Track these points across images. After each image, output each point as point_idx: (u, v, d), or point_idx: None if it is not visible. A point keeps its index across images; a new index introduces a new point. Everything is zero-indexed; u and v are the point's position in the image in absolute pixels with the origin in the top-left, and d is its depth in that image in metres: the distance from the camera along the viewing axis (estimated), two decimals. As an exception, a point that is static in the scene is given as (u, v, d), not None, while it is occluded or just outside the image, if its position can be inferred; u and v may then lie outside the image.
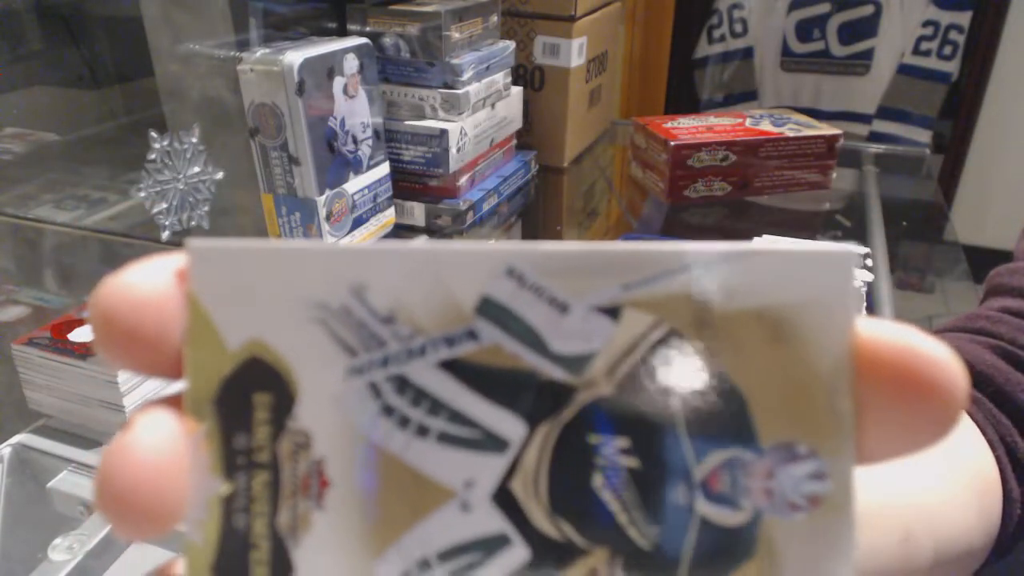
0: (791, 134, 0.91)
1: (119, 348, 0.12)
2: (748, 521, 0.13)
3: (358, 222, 0.75)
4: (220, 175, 0.70)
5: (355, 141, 0.73)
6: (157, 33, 0.69)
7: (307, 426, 0.13)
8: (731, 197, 0.93)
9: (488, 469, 0.13)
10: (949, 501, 0.29)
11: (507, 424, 0.13)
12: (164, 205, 0.66)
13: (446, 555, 0.13)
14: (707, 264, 0.13)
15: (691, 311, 0.13)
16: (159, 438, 0.12)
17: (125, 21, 0.69)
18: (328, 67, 0.69)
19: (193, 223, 0.69)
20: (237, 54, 0.68)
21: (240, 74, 0.66)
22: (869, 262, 0.78)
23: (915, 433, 0.13)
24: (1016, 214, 2.02)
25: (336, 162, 0.71)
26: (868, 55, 1.94)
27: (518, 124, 0.97)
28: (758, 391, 0.13)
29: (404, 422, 0.13)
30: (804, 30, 1.97)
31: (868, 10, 1.90)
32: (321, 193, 0.70)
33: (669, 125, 0.94)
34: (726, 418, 0.13)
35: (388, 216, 0.80)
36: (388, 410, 0.13)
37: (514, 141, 0.97)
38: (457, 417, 0.13)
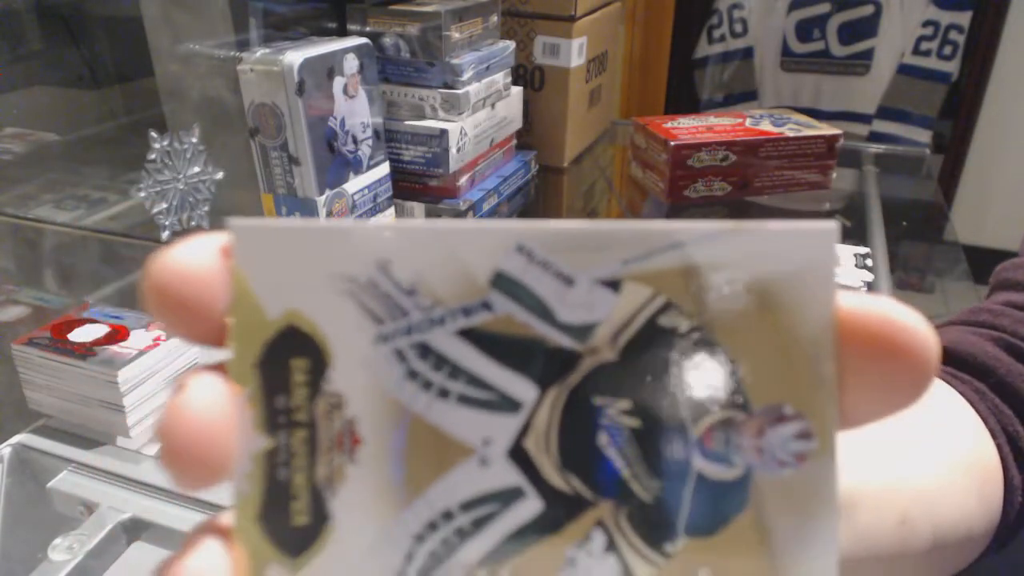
0: (791, 134, 0.91)
1: (171, 317, 0.14)
2: (740, 476, 0.14)
3: (358, 222, 0.75)
4: (220, 175, 0.70)
5: (355, 141, 0.73)
6: (157, 33, 0.69)
7: (340, 388, 0.14)
8: (731, 197, 0.93)
9: (503, 428, 0.14)
10: (947, 486, 0.30)
11: (520, 387, 0.14)
12: (164, 205, 0.66)
13: (467, 506, 0.14)
14: (699, 241, 0.14)
15: (686, 284, 0.14)
16: (209, 399, 0.13)
17: (125, 21, 0.69)
18: (328, 67, 0.69)
19: (193, 223, 0.69)
20: (237, 54, 0.68)
21: (240, 74, 0.66)
22: (869, 262, 0.78)
23: (892, 394, 0.14)
24: (1016, 214, 2.02)
25: (336, 162, 0.71)
26: (868, 55, 1.94)
27: (518, 124, 0.97)
28: (748, 357, 0.14)
29: (427, 385, 0.14)
30: (804, 30, 1.97)
31: (868, 10, 1.90)
32: (321, 193, 0.70)
33: (669, 125, 0.94)
34: (719, 382, 0.14)
35: (388, 216, 0.80)
36: (412, 374, 0.14)
37: (514, 141, 0.97)
38: (475, 381, 0.14)
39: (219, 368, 0.14)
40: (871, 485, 0.27)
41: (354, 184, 0.74)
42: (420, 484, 0.14)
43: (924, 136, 1.94)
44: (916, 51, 1.89)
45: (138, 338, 0.56)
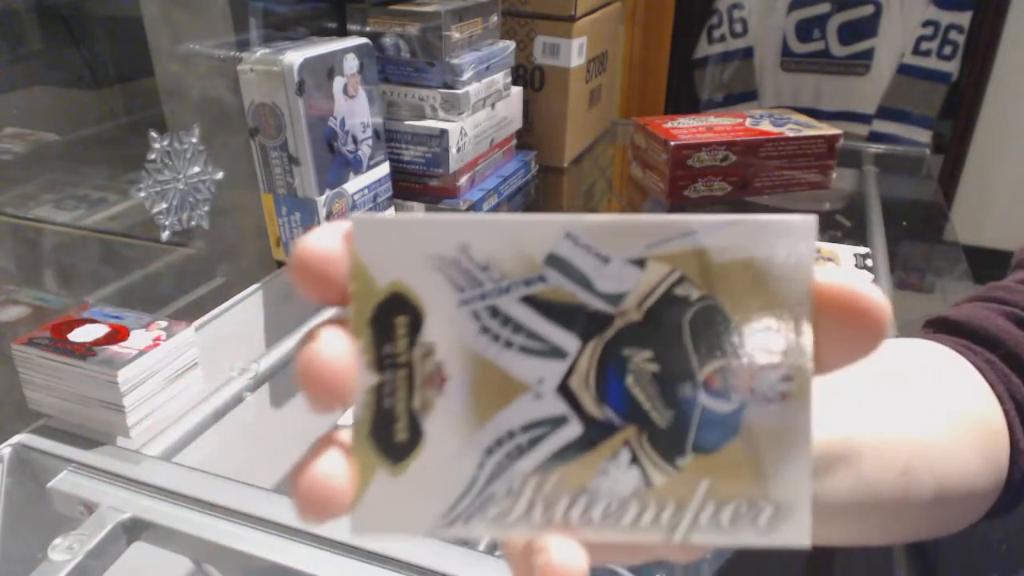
0: (791, 134, 0.91)
1: (310, 284, 0.18)
2: (735, 409, 0.18)
3: (358, 222, 0.75)
4: (220, 175, 0.70)
5: (355, 141, 0.73)
6: (157, 33, 0.69)
7: (431, 339, 0.18)
8: (731, 197, 0.93)
9: (554, 371, 0.18)
10: (950, 443, 0.32)
11: (566, 340, 0.18)
12: (164, 205, 0.66)
13: (525, 428, 0.18)
14: (708, 229, 0.18)
15: (696, 262, 0.18)
16: (336, 344, 0.17)
17: (125, 21, 0.69)
18: (328, 67, 0.69)
19: (193, 223, 0.69)
20: (237, 54, 0.68)
21: (240, 74, 0.66)
22: (869, 262, 0.78)
23: (854, 346, 0.18)
24: (1016, 214, 2.02)
25: (336, 162, 0.71)
26: (868, 55, 1.94)
27: (518, 124, 0.97)
28: (744, 318, 0.18)
29: (496, 338, 0.18)
30: (804, 30, 1.97)
31: (868, 10, 1.90)
32: (321, 193, 0.70)
33: (669, 125, 0.94)
34: (720, 337, 0.18)
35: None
36: (486, 329, 0.18)
37: (514, 141, 0.97)
38: (532, 335, 0.18)
39: (341, 322, 0.18)
40: (874, 435, 0.28)
41: (354, 184, 0.74)
42: (490, 412, 0.18)
43: (924, 136, 1.94)
44: (916, 51, 1.89)
45: (138, 338, 0.56)
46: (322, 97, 0.68)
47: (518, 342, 0.18)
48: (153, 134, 0.64)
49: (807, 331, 0.17)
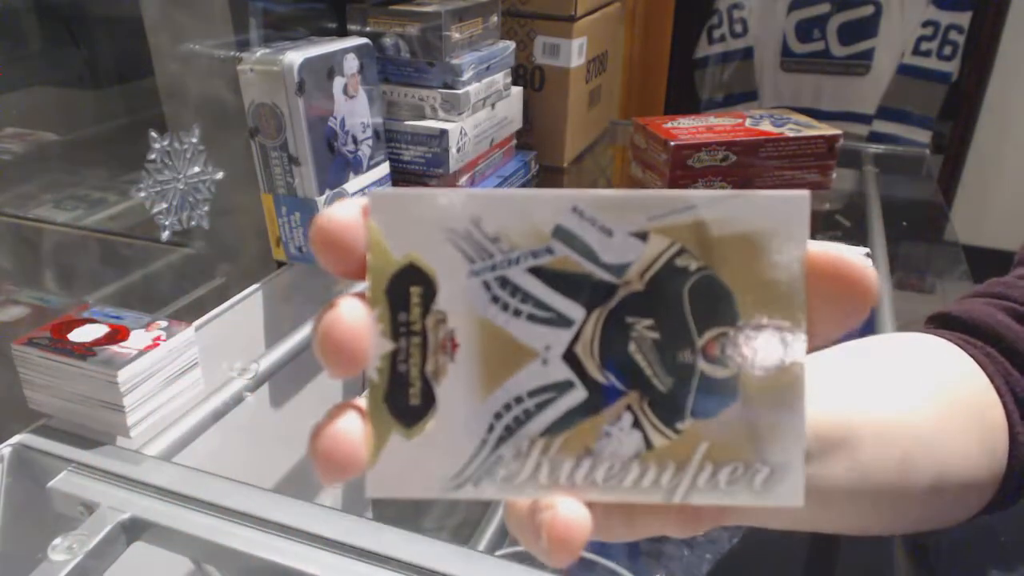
0: (791, 134, 0.91)
1: (330, 254, 0.19)
2: (733, 375, 0.18)
3: (358, 222, 0.75)
4: (220, 175, 0.70)
5: (355, 141, 0.73)
6: (157, 33, 0.69)
7: (444, 308, 0.19)
8: (731, 197, 0.92)
9: (560, 338, 0.19)
10: (948, 433, 0.32)
11: (572, 309, 0.19)
12: (164, 205, 0.66)
13: (532, 393, 0.19)
14: (706, 203, 0.18)
15: (695, 235, 0.18)
16: (354, 312, 0.18)
17: (125, 21, 0.69)
18: (328, 67, 0.69)
19: (193, 223, 0.69)
20: (237, 54, 0.68)
21: (240, 74, 0.66)
22: (869, 262, 0.77)
23: (844, 313, 0.18)
24: (1017, 214, 2.02)
25: (336, 162, 0.71)
26: (868, 55, 1.94)
27: (518, 124, 0.97)
28: (740, 288, 0.18)
29: (506, 307, 0.19)
30: (804, 30, 1.97)
31: (868, 10, 1.90)
32: (321, 193, 0.70)
33: (669, 125, 0.94)
34: (718, 306, 0.18)
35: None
36: (495, 299, 0.19)
37: (514, 141, 0.97)
38: (540, 304, 0.19)
39: (359, 295, 0.19)
40: (873, 422, 0.29)
41: (354, 184, 0.74)
42: (499, 378, 0.19)
43: (924, 136, 1.94)
44: (916, 51, 1.89)
45: (138, 338, 0.56)
46: (322, 97, 0.68)
47: (526, 311, 0.19)
48: (153, 134, 0.64)
49: (801, 301, 0.18)
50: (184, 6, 0.70)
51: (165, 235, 0.66)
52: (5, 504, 0.55)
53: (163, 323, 0.58)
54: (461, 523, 0.78)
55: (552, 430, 0.19)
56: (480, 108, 0.84)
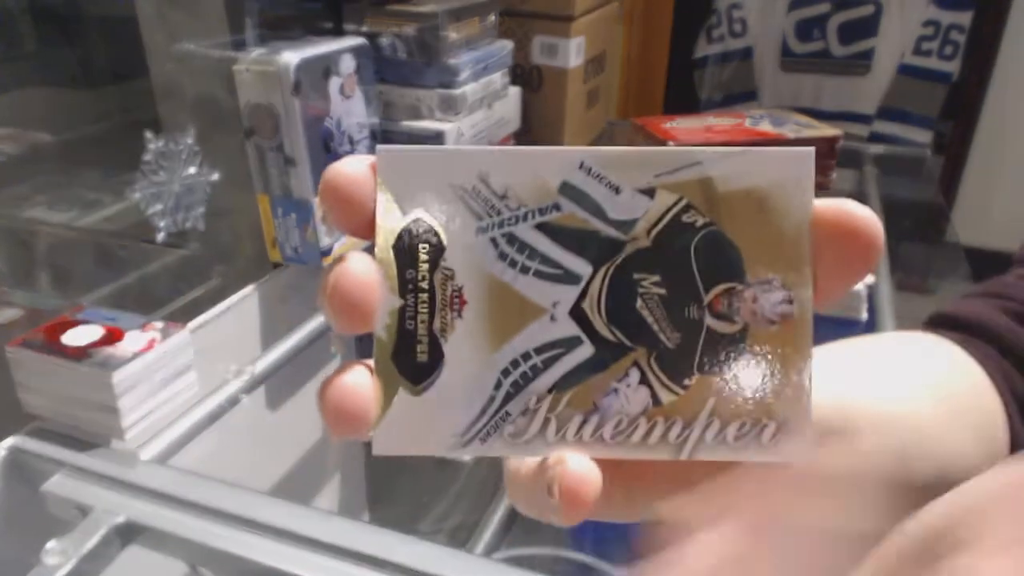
0: (791, 134, 0.91)
1: (338, 208, 0.19)
2: (739, 330, 0.18)
3: (355, 223, 0.75)
4: (215, 176, 0.70)
5: (351, 142, 0.73)
6: (152, 33, 0.69)
7: (452, 265, 0.19)
8: (730, 198, 0.92)
9: (567, 294, 0.19)
10: (948, 429, 0.32)
11: (579, 265, 0.19)
12: (159, 206, 0.66)
13: (540, 349, 0.19)
14: (712, 160, 0.18)
15: (702, 191, 0.18)
16: (362, 266, 0.18)
17: (120, 21, 0.69)
18: (325, 67, 0.68)
19: (188, 224, 0.68)
20: (233, 54, 0.67)
21: (236, 74, 0.66)
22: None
23: (849, 266, 0.18)
24: (1018, 215, 2.01)
25: (332, 163, 0.71)
26: (868, 55, 1.93)
27: (516, 124, 0.96)
28: (746, 244, 0.18)
29: (513, 263, 0.19)
30: (804, 30, 1.97)
31: (868, 10, 1.90)
32: (317, 194, 0.69)
33: (668, 126, 0.94)
34: (725, 262, 0.18)
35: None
36: (503, 255, 0.19)
37: (512, 141, 0.97)
38: (547, 260, 0.19)
39: (368, 251, 0.19)
40: (872, 413, 0.29)
41: (351, 185, 0.73)
42: (506, 334, 0.19)
43: (925, 136, 1.93)
44: (917, 51, 1.89)
45: (133, 340, 0.56)
46: (318, 97, 0.68)
47: (533, 267, 0.19)
48: (148, 135, 0.64)
49: (806, 256, 0.18)
50: (179, 6, 0.69)
51: (160, 236, 0.66)
52: (-2, 507, 0.55)
53: (158, 325, 0.58)
54: (458, 526, 0.77)
55: (559, 386, 0.19)
56: (477, 108, 0.84)
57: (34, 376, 0.55)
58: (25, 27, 0.62)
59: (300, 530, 0.47)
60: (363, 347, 0.72)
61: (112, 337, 0.56)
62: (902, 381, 0.32)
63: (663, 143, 0.88)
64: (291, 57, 0.64)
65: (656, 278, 0.19)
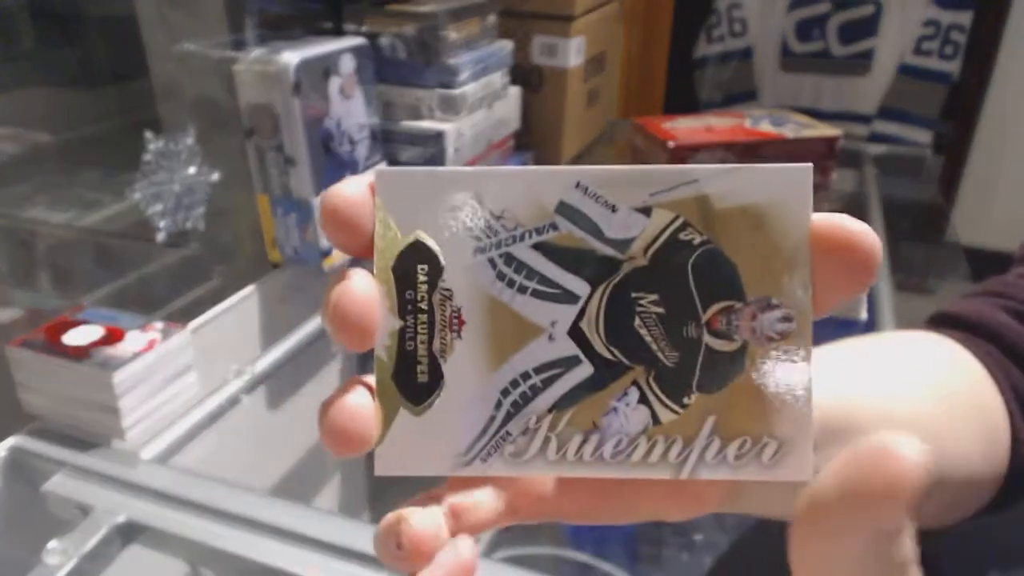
0: (791, 134, 0.91)
1: (339, 231, 0.19)
2: (738, 349, 0.18)
3: (355, 223, 0.75)
4: (216, 176, 0.70)
5: (351, 142, 0.73)
6: (152, 33, 0.69)
7: (450, 285, 0.19)
8: (730, 197, 0.92)
9: (565, 314, 0.19)
10: (949, 427, 0.32)
11: (577, 284, 0.19)
12: (159, 206, 0.66)
13: (539, 369, 0.19)
14: (709, 177, 0.18)
15: (698, 209, 0.18)
16: (364, 283, 0.18)
17: (120, 20, 0.69)
18: (325, 67, 0.68)
19: (188, 224, 0.68)
20: (233, 54, 0.67)
21: (236, 74, 0.66)
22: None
23: (848, 281, 0.18)
24: (1018, 215, 2.01)
25: (332, 163, 0.71)
26: (868, 55, 1.93)
27: (516, 124, 0.96)
28: (744, 261, 0.18)
29: (511, 283, 0.19)
30: (804, 30, 1.97)
31: (868, 10, 1.90)
32: (317, 194, 0.69)
33: (668, 126, 0.94)
34: (723, 280, 0.18)
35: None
36: (501, 276, 0.19)
37: (512, 142, 0.97)
38: (545, 280, 0.19)
39: (369, 268, 0.19)
40: (873, 413, 0.29)
41: (351, 185, 0.73)
42: (505, 354, 0.19)
43: (925, 137, 1.93)
44: (917, 51, 1.89)
45: (133, 340, 0.56)
46: (319, 98, 0.68)
47: (531, 287, 0.19)
48: (148, 135, 0.64)
49: (805, 272, 0.18)
50: (179, 6, 0.69)
51: (161, 236, 0.66)
52: (-1, 507, 0.55)
53: (158, 325, 0.58)
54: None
55: (559, 406, 0.19)
56: (477, 108, 0.84)
57: (34, 376, 0.55)
58: (25, 27, 0.62)
59: (300, 530, 0.47)
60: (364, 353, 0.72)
61: (112, 337, 0.56)
62: (903, 380, 0.32)
63: (663, 143, 0.88)
64: (291, 57, 0.64)
65: (654, 297, 0.19)
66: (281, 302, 0.75)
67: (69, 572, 0.47)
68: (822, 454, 0.27)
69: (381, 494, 0.85)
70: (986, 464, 0.34)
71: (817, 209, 0.19)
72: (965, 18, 1.84)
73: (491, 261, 0.19)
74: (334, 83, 0.70)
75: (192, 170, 0.67)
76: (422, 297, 0.19)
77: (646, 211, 0.18)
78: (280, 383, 0.71)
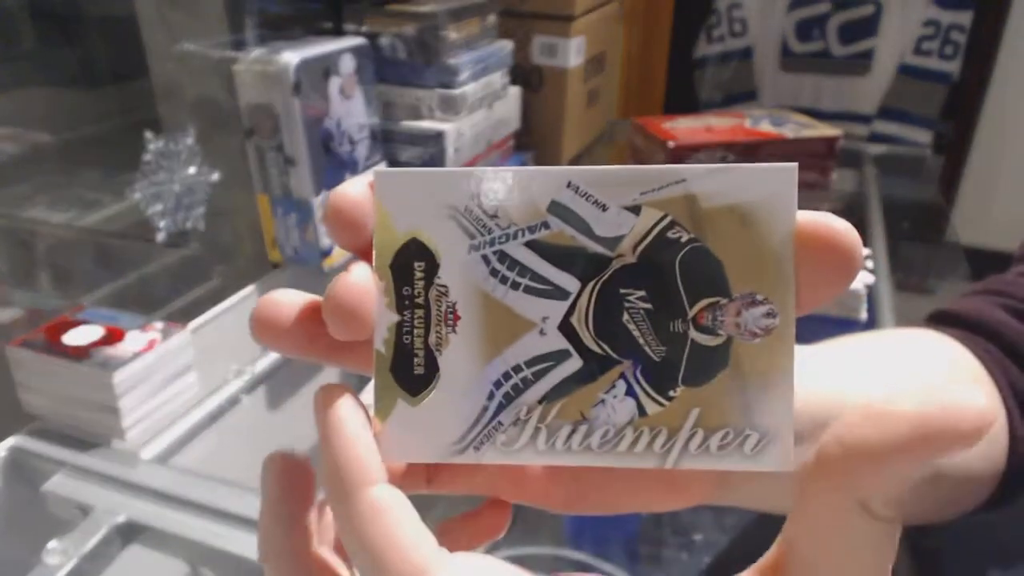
0: (791, 134, 0.91)
1: (341, 229, 0.19)
2: (723, 343, 0.19)
3: (355, 223, 0.75)
4: (216, 176, 0.70)
5: (351, 142, 0.73)
6: (152, 33, 0.69)
7: (446, 281, 0.19)
8: (730, 197, 0.92)
9: (556, 309, 0.19)
10: None
11: (567, 281, 0.19)
12: (159, 206, 0.66)
13: (530, 362, 0.19)
14: (696, 177, 0.19)
15: (686, 208, 0.19)
16: (361, 275, 0.19)
17: (120, 21, 0.69)
18: (325, 67, 0.68)
19: (189, 224, 0.68)
20: (233, 54, 0.67)
21: (236, 74, 0.66)
22: (870, 263, 0.77)
23: (830, 278, 0.18)
24: (1018, 215, 2.01)
25: (332, 163, 0.71)
26: (868, 55, 1.93)
27: (516, 124, 0.96)
28: (730, 259, 0.19)
29: (504, 280, 0.19)
30: (804, 30, 1.97)
31: (868, 10, 1.89)
32: (317, 194, 0.69)
33: (668, 126, 0.94)
34: (709, 276, 0.19)
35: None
36: (494, 272, 0.19)
37: (512, 142, 0.97)
38: (536, 277, 0.19)
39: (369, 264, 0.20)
40: (868, 407, 0.28)
41: (351, 185, 0.73)
42: (499, 347, 0.19)
43: (925, 137, 1.93)
44: (917, 51, 1.89)
45: (133, 340, 0.56)
46: (318, 98, 0.68)
47: (524, 283, 0.19)
48: (148, 135, 0.64)
49: (789, 270, 0.18)
50: (179, 6, 0.69)
51: (161, 236, 0.66)
52: (-1, 507, 0.55)
53: (159, 325, 0.58)
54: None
55: (549, 397, 0.19)
56: (477, 108, 0.84)
57: (35, 376, 0.55)
58: (25, 27, 0.62)
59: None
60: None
61: (112, 337, 0.56)
62: (899, 376, 0.32)
63: (663, 143, 0.89)
64: (291, 57, 0.64)
65: (642, 293, 0.19)
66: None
67: (69, 572, 0.47)
68: (816, 442, 0.27)
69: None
70: (984, 461, 0.34)
71: (817, 209, 0.19)
72: (965, 18, 1.84)
73: (485, 258, 0.19)
74: (334, 83, 0.70)
75: (192, 170, 0.67)
76: (419, 293, 0.19)
77: (635, 210, 0.19)
78: (280, 383, 0.71)
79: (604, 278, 0.19)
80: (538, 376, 0.19)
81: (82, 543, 0.49)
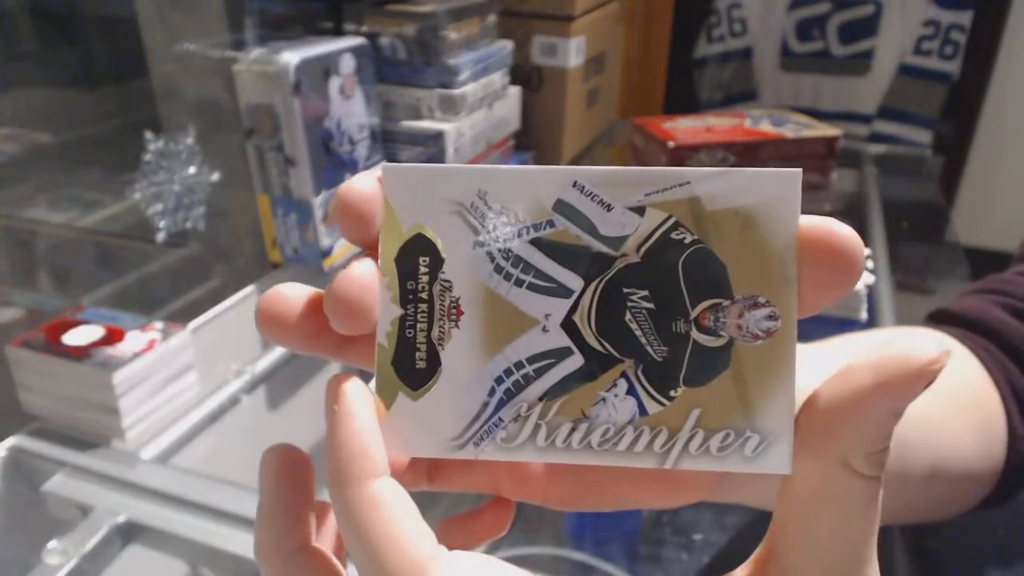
0: (791, 134, 0.91)
1: (353, 225, 0.19)
2: (725, 345, 0.19)
3: (355, 223, 0.75)
4: (216, 176, 0.70)
5: (351, 142, 0.73)
6: (152, 33, 0.69)
7: (450, 277, 0.19)
8: (730, 197, 0.92)
9: (559, 307, 0.19)
10: (944, 420, 0.32)
11: (571, 279, 0.19)
12: (159, 206, 0.66)
13: (532, 359, 0.19)
14: (701, 179, 0.19)
15: (690, 210, 0.19)
16: (363, 269, 0.19)
17: (120, 21, 0.69)
18: (325, 67, 0.68)
19: (189, 224, 0.68)
20: (233, 54, 0.67)
21: (236, 74, 0.66)
22: (870, 263, 0.77)
23: (832, 282, 0.18)
24: (1018, 215, 2.01)
25: (332, 163, 0.71)
26: (869, 55, 1.93)
27: (516, 124, 0.96)
28: (733, 261, 0.19)
29: (508, 276, 0.19)
30: (804, 30, 1.97)
31: (868, 10, 1.89)
32: (317, 194, 0.69)
33: (668, 126, 0.94)
34: (711, 278, 0.19)
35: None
36: (498, 269, 0.19)
37: (512, 142, 0.97)
38: (540, 274, 0.19)
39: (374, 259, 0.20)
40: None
41: (351, 185, 0.73)
42: (501, 343, 0.19)
43: (925, 136, 1.93)
44: (917, 51, 1.89)
45: (133, 340, 0.56)
46: (318, 98, 0.68)
47: (528, 280, 0.19)
48: (148, 135, 0.64)
49: (792, 273, 0.19)
50: (179, 6, 0.69)
51: (161, 236, 0.66)
52: (-1, 507, 0.55)
53: (158, 325, 0.58)
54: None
55: (550, 395, 0.19)
56: (477, 108, 0.84)
57: (34, 376, 0.55)
58: (25, 27, 0.62)
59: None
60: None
61: (112, 337, 0.56)
62: None
63: (663, 143, 0.89)
64: (291, 57, 0.64)
65: (645, 293, 0.19)
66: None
67: (69, 572, 0.47)
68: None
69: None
70: (982, 459, 0.34)
71: (817, 209, 0.19)
72: (965, 18, 1.84)
73: (490, 255, 0.19)
74: (334, 83, 0.70)
75: (192, 170, 0.68)
76: (423, 287, 0.19)
77: (640, 210, 0.19)
78: (280, 383, 0.71)
79: (607, 277, 0.19)
80: (539, 373, 0.19)
81: (82, 543, 0.49)
